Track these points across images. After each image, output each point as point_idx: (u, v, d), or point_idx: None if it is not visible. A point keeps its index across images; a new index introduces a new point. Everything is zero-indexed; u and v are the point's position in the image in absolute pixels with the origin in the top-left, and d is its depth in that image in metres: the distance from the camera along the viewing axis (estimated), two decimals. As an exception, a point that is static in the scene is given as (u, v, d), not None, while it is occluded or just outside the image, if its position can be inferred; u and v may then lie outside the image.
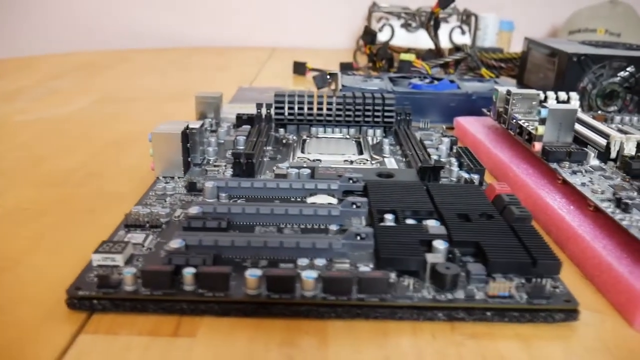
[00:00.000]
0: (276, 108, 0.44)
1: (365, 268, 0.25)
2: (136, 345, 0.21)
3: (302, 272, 0.24)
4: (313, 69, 0.70)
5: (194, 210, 0.29)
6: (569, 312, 0.24)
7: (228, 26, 1.04)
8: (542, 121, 0.35)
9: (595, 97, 0.50)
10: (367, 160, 0.38)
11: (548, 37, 0.66)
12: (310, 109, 0.44)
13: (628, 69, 0.49)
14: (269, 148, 0.41)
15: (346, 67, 0.71)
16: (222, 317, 0.23)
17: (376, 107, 0.44)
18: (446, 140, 0.42)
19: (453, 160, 0.38)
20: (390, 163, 0.38)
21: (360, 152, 0.40)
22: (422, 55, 0.71)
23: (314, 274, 0.23)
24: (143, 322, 0.23)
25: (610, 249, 0.26)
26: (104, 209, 0.32)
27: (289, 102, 0.44)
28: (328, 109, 0.44)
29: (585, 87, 0.50)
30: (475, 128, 0.45)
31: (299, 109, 0.44)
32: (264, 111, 0.45)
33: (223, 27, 1.04)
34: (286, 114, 0.44)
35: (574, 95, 0.44)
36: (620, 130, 0.40)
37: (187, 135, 0.36)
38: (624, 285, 0.24)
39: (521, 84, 0.60)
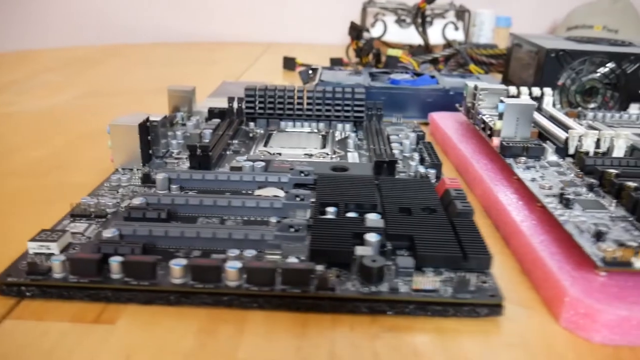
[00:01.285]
0: (246, 102, 0.44)
1: (294, 260, 0.25)
2: (55, 331, 0.22)
3: (226, 262, 0.24)
4: (302, 65, 0.70)
5: (137, 201, 0.29)
6: (493, 306, 0.23)
7: (224, 22, 1.05)
8: (500, 116, 0.35)
9: (574, 93, 0.49)
10: (328, 154, 0.38)
11: (545, 34, 0.65)
12: (280, 103, 0.44)
13: (608, 65, 0.48)
14: (235, 141, 0.41)
15: (336, 63, 0.71)
16: (146, 305, 0.23)
17: (346, 102, 0.44)
18: (412, 135, 0.41)
19: (415, 155, 0.38)
20: (353, 157, 0.38)
21: (323, 147, 0.40)
22: (412, 51, 0.71)
23: (237, 264, 0.24)
24: (68, 308, 0.23)
25: (546, 244, 0.26)
26: (59, 200, 0.33)
27: (259, 97, 0.44)
28: (298, 104, 0.44)
29: (564, 83, 0.49)
30: (446, 123, 0.45)
31: (269, 103, 0.44)
32: (235, 105, 0.45)
33: (219, 22, 1.05)
34: (256, 108, 0.44)
35: (548, 91, 0.44)
36: (591, 127, 0.40)
37: (147, 128, 0.36)
38: (552, 280, 0.24)
39: (506, 80, 0.60)
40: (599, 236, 0.24)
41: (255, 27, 1.04)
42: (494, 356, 0.21)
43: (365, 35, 0.80)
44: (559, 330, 0.23)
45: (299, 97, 0.44)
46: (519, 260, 0.28)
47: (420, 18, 0.65)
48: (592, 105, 0.49)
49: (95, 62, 0.79)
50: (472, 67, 0.65)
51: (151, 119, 0.37)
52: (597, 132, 0.33)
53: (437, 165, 0.35)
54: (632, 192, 0.27)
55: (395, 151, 0.38)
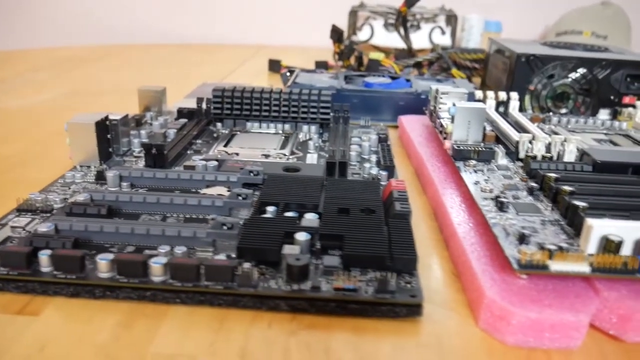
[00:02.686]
0: (214, 103, 0.45)
1: (222, 257, 0.25)
2: (-25, 321, 0.22)
3: (151, 258, 0.24)
4: (287, 67, 0.70)
5: (81, 197, 0.30)
6: (412, 307, 0.23)
7: (217, 24, 1.05)
8: (453, 119, 0.35)
9: (545, 98, 0.49)
10: (285, 155, 0.38)
11: (537, 39, 0.65)
12: (247, 104, 0.44)
13: (579, 70, 0.48)
14: (199, 141, 0.42)
15: (321, 66, 0.71)
16: (72, 298, 0.24)
17: (312, 104, 0.44)
18: (374, 137, 0.42)
19: (373, 157, 0.38)
20: (312, 158, 0.39)
21: (283, 148, 0.40)
22: (396, 54, 0.71)
23: (162, 260, 0.24)
24: (-4, 300, 0.24)
25: (475, 247, 0.26)
26: (12, 195, 0.33)
27: (227, 97, 0.45)
28: (265, 105, 0.44)
29: (535, 88, 0.49)
30: (412, 126, 0.45)
31: (236, 104, 0.45)
32: (204, 106, 0.46)
33: (212, 24, 1.05)
34: (223, 108, 0.45)
35: (514, 95, 0.44)
36: (553, 132, 0.40)
37: (106, 127, 0.37)
38: (475, 283, 0.24)
39: (484, 84, 0.60)
40: (522, 239, 0.24)
41: (247, 30, 1.05)
42: (405, 356, 0.21)
43: (354, 38, 0.80)
44: (476, 332, 0.23)
45: (265, 99, 0.44)
46: (454, 263, 0.28)
47: (401, 22, 0.65)
48: (563, 111, 0.49)
49: (85, 62, 0.80)
50: (454, 71, 0.65)
51: (111, 117, 0.37)
52: (546, 136, 0.33)
53: (390, 168, 0.35)
54: (566, 196, 0.27)
55: (353, 153, 0.38)
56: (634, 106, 0.45)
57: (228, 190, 0.31)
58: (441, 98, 0.40)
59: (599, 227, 0.23)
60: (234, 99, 0.45)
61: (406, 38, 0.67)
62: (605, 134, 0.41)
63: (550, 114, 0.45)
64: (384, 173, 0.35)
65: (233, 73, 0.74)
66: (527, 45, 0.53)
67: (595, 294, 0.23)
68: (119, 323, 0.23)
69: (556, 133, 0.38)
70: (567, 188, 0.27)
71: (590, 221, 0.23)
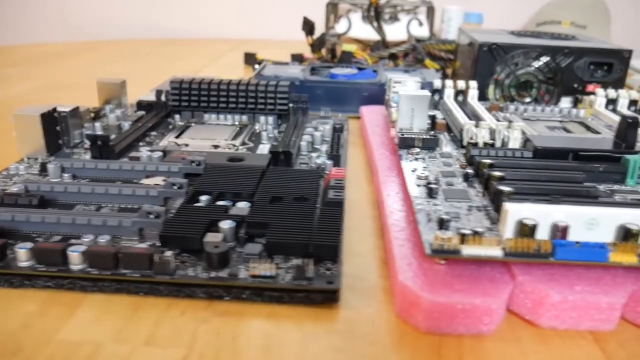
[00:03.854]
0: (172, 94, 0.45)
1: (144, 245, 0.25)
2: None
3: (70, 246, 0.24)
4: (262, 60, 0.70)
5: (15, 187, 0.30)
6: (329, 294, 0.23)
7: (198, 18, 1.05)
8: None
9: (509, 87, 0.48)
10: (235, 145, 0.38)
11: (518, 30, 0.64)
12: (204, 95, 0.44)
13: (542, 58, 0.48)
14: (154, 133, 0.41)
15: (296, 59, 0.71)
16: (-10, 287, 0.24)
17: (269, 95, 0.44)
18: (327, 127, 0.41)
19: (324, 147, 0.38)
20: (264, 149, 0.38)
21: (234, 138, 0.40)
22: (371, 46, 0.71)
23: (80, 248, 0.24)
24: None
25: (402, 234, 0.26)
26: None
27: (184, 89, 0.44)
28: (222, 96, 0.44)
29: (498, 77, 0.49)
30: (371, 116, 0.45)
31: (194, 95, 0.44)
32: (163, 98, 0.46)
33: (193, 19, 1.05)
34: (181, 100, 0.45)
35: (473, 84, 0.44)
36: (507, 120, 0.40)
37: (54, 119, 0.37)
38: (393, 269, 0.24)
39: (454, 74, 0.59)
40: (441, 224, 0.24)
41: (228, 24, 1.05)
42: (312, 342, 0.21)
43: (332, 31, 0.80)
44: (392, 318, 0.23)
45: (222, 90, 0.44)
46: (385, 250, 0.28)
47: (374, 13, 0.65)
48: (527, 100, 0.49)
49: (62, 57, 0.80)
50: (427, 62, 0.65)
51: (60, 109, 0.37)
52: (489, 123, 0.33)
53: (336, 157, 0.35)
54: (495, 181, 0.27)
55: (304, 143, 0.38)
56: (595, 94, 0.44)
57: (164, 180, 0.31)
58: (394, 87, 0.40)
59: (514, 212, 0.22)
60: (191, 91, 0.44)
61: (379, 30, 0.67)
62: (560, 121, 0.40)
63: (509, 102, 0.44)
64: (329, 162, 0.35)
65: (208, 67, 0.74)
66: (491, 35, 0.52)
67: (511, 278, 0.23)
68: (31, 312, 0.23)
69: (510, 121, 0.38)
70: (496, 174, 0.27)
71: (506, 205, 0.23)
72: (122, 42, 0.95)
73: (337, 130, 0.42)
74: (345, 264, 0.27)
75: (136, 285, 0.24)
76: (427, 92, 0.34)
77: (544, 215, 0.22)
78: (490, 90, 0.49)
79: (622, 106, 0.43)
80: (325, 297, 0.23)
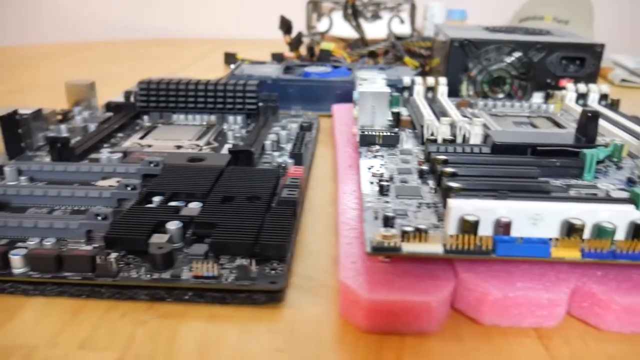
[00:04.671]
0: (140, 95, 0.44)
1: (88, 247, 0.25)
2: None
3: (11, 250, 0.24)
4: (242, 60, 0.70)
5: (-34, 191, 0.29)
6: (272, 294, 0.23)
7: (184, 19, 1.05)
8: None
9: (481, 83, 0.48)
10: (199, 145, 0.38)
11: (502, 26, 0.63)
12: (173, 96, 0.44)
13: (514, 54, 0.47)
14: (120, 134, 0.41)
15: (277, 58, 0.70)
16: None
17: (237, 95, 0.44)
18: (294, 126, 0.41)
19: (289, 146, 0.38)
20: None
21: (199, 138, 0.39)
22: (351, 44, 0.70)
23: (21, 251, 0.24)
24: None
25: (351, 232, 0.26)
26: None
27: (152, 90, 0.44)
28: (190, 96, 0.44)
29: (470, 74, 0.48)
30: (340, 114, 0.45)
31: (162, 96, 0.44)
32: (132, 99, 0.46)
33: (180, 19, 1.05)
34: (149, 101, 0.44)
35: (442, 80, 0.43)
36: (474, 115, 0.39)
37: (15, 122, 0.37)
38: (339, 268, 0.23)
39: (431, 71, 0.59)
40: (386, 222, 0.24)
41: (214, 25, 1.05)
42: (250, 342, 0.21)
43: (314, 30, 0.80)
44: (336, 318, 0.22)
45: (190, 90, 0.44)
46: (337, 249, 0.27)
47: (351, 11, 0.65)
48: (501, 95, 0.49)
49: (42, 59, 0.79)
50: (406, 59, 0.64)
51: (21, 112, 0.37)
52: (449, 119, 0.33)
53: (297, 155, 0.35)
54: (446, 177, 0.26)
55: (268, 142, 0.38)
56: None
57: (117, 182, 0.31)
58: (360, 85, 0.39)
59: (457, 208, 0.22)
60: (159, 91, 0.44)
61: (358, 28, 0.66)
62: (528, 117, 0.40)
63: (480, 99, 0.44)
64: (290, 161, 0.34)
65: (188, 67, 0.74)
66: (464, 31, 0.52)
67: (454, 276, 0.22)
68: (-32, 316, 0.22)
69: (472, 117, 0.38)
70: (448, 170, 0.27)
71: (450, 202, 0.22)
72: (104, 44, 0.94)
73: (305, 129, 0.42)
74: (297, 263, 0.26)
75: (78, 288, 0.23)
76: (387, 89, 0.34)
77: (487, 211, 0.22)
78: (464, 86, 0.49)
79: (593, 101, 0.43)
80: (269, 297, 0.23)
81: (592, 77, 0.47)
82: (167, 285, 0.23)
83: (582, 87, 0.43)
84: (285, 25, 0.61)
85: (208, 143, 0.39)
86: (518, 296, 0.21)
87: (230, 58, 0.73)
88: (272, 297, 0.23)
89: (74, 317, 0.22)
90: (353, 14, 0.65)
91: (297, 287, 0.25)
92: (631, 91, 0.64)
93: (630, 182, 0.29)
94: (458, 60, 0.48)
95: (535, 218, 0.22)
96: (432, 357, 0.20)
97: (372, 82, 0.39)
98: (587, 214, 0.22)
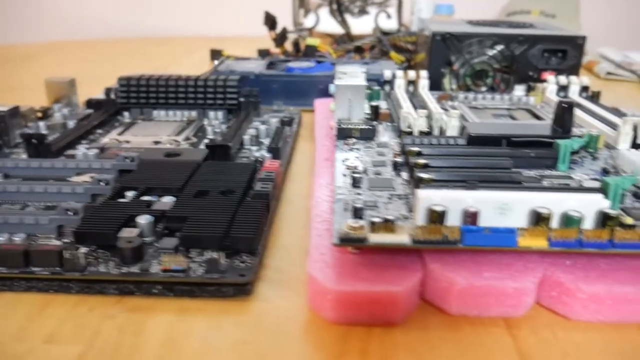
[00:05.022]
0: (120, 92, 0.44)
1: (58, 242, 0.25)
2: None
3: (-22, 245, 0.24)
4: (227, 56, 0.70)
5: (-62, 187, 0.29)
6: (241, 286, 0.23)
7: (173, 16, 1.05)
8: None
9: (464, 76, 0.48)
10: (177, 141, 0.38)
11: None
12: (153, 92, 0.44)
13: (497, 47, 0.47)
14: (99, 131, 0.41)
15: (263, 54, 0.70)
16: None
17: (218, 90, 0.44)
18: (274, 121, 0.41)
19: (268, 140, 0.38)
20: (208, 144, 0.38)
21: (178, 134, 0.39)
22: (336, 40, 0.70)
23: (-11, 247, 0.23)
24: None
25: (322, 225, 0.26)
26: None
27: (132, 86, 0.44)
28: (171, 92, 0.44)
29: (452, 67, 0.48)
30: (322, 109, 0.45)
31: (143, 92, 0.44)
32: (113, 95, 0.45)
33: (169, 17, 1.05)
34: (129, 97, 0.44)
35: (423, 74, 0.43)
36: (454, 108, 0.39)
37: (-9, 118, 0.36)
38: (308, 262, 0.23)
39: (416, 65, 0.59)
40: (355, 213, 0.23)
41: (202, 22, 1.04)
42: (217, 334, 0.21)
43: (302, 26, 0.80)
44: (303, 310, 0.22)
45: (170, 86, 0.44)
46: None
47: (336, 7, 0.65)
48: (483, 89, 0.49)
49: (29, 58, 0.79)
50: (392, 54, 0.64)
51: (-3, 109, 0.37)
52: (425, 111, 0.33)
53: (275, 149, 0.35)
54: (418, 169, 0.26)
55: (247, 137, 0.38)
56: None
57: (91, 177, 0.31)
58: (339, 78, 0.39)
59: (425, 198, 0.22)
60: (139, 87, 0.44)
61: (343, 23, 0.66)
62: (508, 109, 0.40)
63: (462, 92, 0.44)
64: (267, 155, 0.34)
65: (175, 64, 0.74)
66: (447, 25, 0.52)
67: (422, 267, 0.22)
68: None
69: (450, 109, 0.38)
70: (420, 161, 0.27)
71: (417, 192, 0.22)
72: (91, 42, 0.94)
73: (285, 124, 0.41)
74: (269, 256, 0.26)
75: (46, 283, 0.23)
76: (363, 82, 0.34)
77: (455, 202, 0.22)
78: (447, 80, 0.49)
79: (574, 93, 0.43)
80: (238, 290, 0.23)
81: (574, 69, 0.47)
82: (135, 279, 0.23)
83: (563, 79, 0.43)
84: (270, 21, 0.61)
85: (187, 138, 0.38)
86: (484, 286, 0.21)
87: (216, 55, 0.72)
88: (241, 289, 0.23)
89: (41, 312, 0.22)
90: (338, 10, 0.65)
91: (268, 280, 0.24)
92: (616, 84, 0.65)
93: (605, 172, 0.29)
94: (440, 54, 0.48)
95: (503, 208, 0.22)
96: (397, 347, 0.20)
97: (351, 75, 0.39)
98: (555, 204, 0.22)
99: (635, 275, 0.22)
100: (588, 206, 0.22)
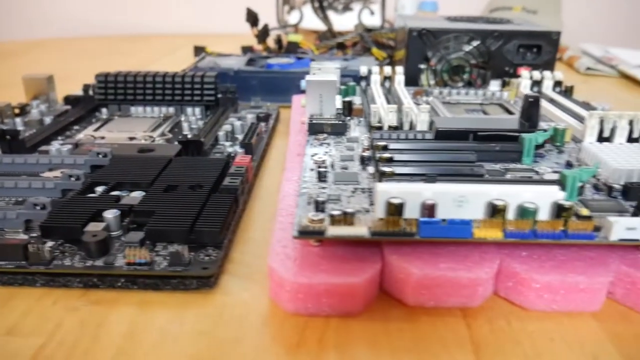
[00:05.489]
0: (98, 88, 0.44)
1: (24, 236, 0.25)
2: None
3: (-56, 239, 0.24)
4: (210, 52, 0.70)
5: None
6: (203, 279, 0.23)
7: (158, 14, 1.05)
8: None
9: (441, 72, 0.48)
10: (152, 137, 0.38)
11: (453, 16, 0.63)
12: (130, 88, 0.44)
13: (473, 42, 0.48)
14: (76, 127, 0.41)
15: (246, 50, 0.70)
16: None
17: (195, 86, 0.44)
18: (250, 117, 0.41)
19: (242, 136, 0.38)
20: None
21: (154, 130, 0.39)
22: (319, 36, 0.71)
23: (-46, 241, 0.24)
24: None
25: (287, 220, 0.26)
26: None
27: (110, 82, 0.44)
28: (149, 88, 0.44)
29: (429, 63, 0.49)
30: (298, 105, 0.45)
31: (120, 88, 0.44)
32: (91, 92, 0.45)
33: (154, 14, 1.05)
34: (107, 93, 0.44)
35: (399, 70, 0.44)
36: (428, 104, 0.40)
37: (-35, 114, 0.36)
38: (269, 255, 0.24)
39: (395, 61, 0.59)
40: (317, 207, 0.24)
41: (187, 19, 1.04)
42: (177, 326, 0.21)
43: (288, 22, 0.80)
44: (266, 302, 0.23)
45: (148, 82, 0.44)
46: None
47: (318, 3, 0.65)
48: (460, 84, 0.49)
49: (11, 56, 0.79)
50: (374, 50, 0.65)
51: (-28, 105, 0.37)
52: (394, 106, 0.33)
53: (247, 145, 0.35)
54: (382, 163, 0.27)
55: (222, 133, 0.38)
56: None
57: (61, 172, 0.31)
58: (313, 74, 0.39)
59: (384, 192, 0.22)
60: (117, 84, 0.44)
61: (325, 19, 0.67)
62: (481, 104, 0.40)
63: (439, 88, 0.44)
64: (240, 150, 0.35)
65: (158, 61, 0.74)
66: (424, 21, 0.52)
67: (381, 259, 0.23)
68: None
69: (422, 104, 0.38)
70: (385, 155, 0.27)
71: (377, 185, 0.23)
72: (74, 40, 0.94)
73: (261, 120, 0.42)
74: (236, 250, 0.27)
75: (11, 277, 0.23)
76: (334, 77, 0.34)
77: (413, 195, 0.22)
78: (425, 76, 0.49)
79: (547, 88, 0.43)
80: (201, 283, 0.23)
81: (549, 64, 0.48)
82: (99, 272, 0.23)
83: (536, 74, 0.43)
84: (252, 18, 0.61)
85: (162, 134, 0.39)
86: (439, 276, 0.21)
87: (199, 51, 0.72)
88: (204, 282, 0.23)
89: (5, 305, 0.22)
90: (320, 6, 0.65)
91: (233, 273, 0.25)
92: (595, 79, 0.65)
93: (569, 165, 0.30)
94: (417, 50, 0.48)
95: (460, 200, 0.22)
96: (354, 337, 0.21)
97: (325, 71, 0.39)
98: (511, 196, 0.22)
99: (589, 265, 0.22)
100: (544, 198, 0.22)
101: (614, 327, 0.22)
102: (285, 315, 0.22)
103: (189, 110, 0.44)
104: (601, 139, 0.32)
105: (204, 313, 0.22)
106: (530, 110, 0.32)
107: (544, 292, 0.22)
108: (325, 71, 0.39)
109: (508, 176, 0.28)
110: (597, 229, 0.23)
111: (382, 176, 0.25)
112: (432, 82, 0.49)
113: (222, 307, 0.22)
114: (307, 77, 0.34)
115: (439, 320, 0.22)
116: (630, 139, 0.32)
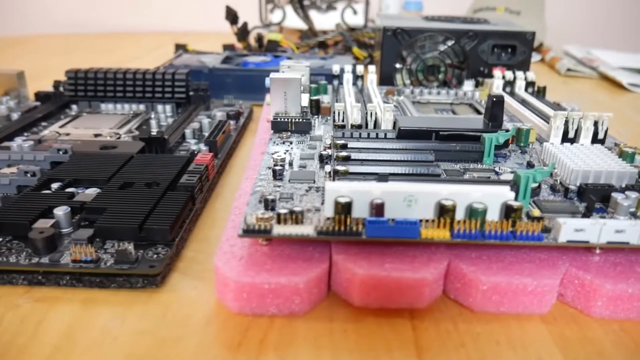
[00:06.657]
0: (68, 84, 0.44)
1: (-29, 233, 0.25)
2: None
3: None
4: (188, 50, 0.69)
5: None
6: (150, 277, 0.23)
7: (142, 11, 1.04)
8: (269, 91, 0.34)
9: (416, 71, 0.48)
10: (118, 134, 0.38)
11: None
12: (101, 85, 0.44)
13: (448, 42, 0.48)
14: (44, 123, 0.41)
15: (227, 48, 0.70)
16: None
17: (166, 84, 0.43)
18: (219, 114, 0.41)
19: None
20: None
21: (121, 127, 0.39)
22: (300, 35, 0.70)
23: None
24: None
25: (240, 218, 0.25)
26: None
27: (79, 79, 0.44)
28: (119, 85, 0.44)
29: (404, 63, 0.48)
30: (270, 103, 0.44)
31: (90, 85, 0.44)
32: (61, 88, 0.45)
33: (137, 12, 1.04)
34: (77, 90, 0.44)
35: (371, 69, 0.43)
36: (399, 103, 0.39)
37: None
38: (216, 253, 0.23)
39: (373, 61, 0.59)
40: (266, 205, 0.24)
41: (171, 17, 1.04)
42: (117, 325, 0.21)
43: (271, 21, 0.79)
44: (213, 301, 0.22)
45: (119, 79, 0.43)
46: (233, 234, 0.27)
47: (298, 2, 0.65)
48: (435, 84, 0.49)
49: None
50: (354, 49, 0.64)
51: None
52: (359, 105, 0.33)
53: (211, 142, 0.35)
54: (337, 161, 0.26)
55: (188, 130, 0.38)
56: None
57: (17, 169, 0.30)
58: (282, 72, 0.39)
59: (332, 190, 0.22)
60: (87, 80, 0.44)
61: (306, 18, 0.66)
62: (451, 103, 0.40)
63: (413, 87, 0.44)
64: (204, 148, 0.34)
65: (137, 59, 0.73)
66: (399, 20, 0.52)
67: (329, 258, 0.22)
68: None
69: (400, 104, 0.38)
70: (342, 154, 0.27)
71: (326, 184, 0.22)
72: (56, 37, 0.93)
73: (231, 117, 0.41)
74: (189, 248, 0.26)
75: (-47, 274, 0.23)
76: (297, 75, 0.34)
77: (362, 194, 0.22)
78: (400, 75, 0.49)
79: (520, 88, 0.43)
80: (147, 281, 0.23)
81: (524, 64, 0.48)
82: (44, 269, 0.23)
83: (509, 74, 0.43)
84: (232, 16, 0.61)
85: (129, 131, 0.38)
86: (384, 277, 0.21)
87: (180, 49, 0.72)
88: (151, 280, 0.23)
89: (-59, 303, 0.22)
90: (300, 5, 0.65)
91: (183, 271, 0.25)
92: (576, 80, 0.65)
93: (529, 165, 0.30)
94: (392, 49, 0.48)
95: (409, 200, 0.22)
96: (296, 337, 0.20)
97: (294, 69, 0.39)
98: (461, 196, 0.22)
99: (538, 266, 0.22)
100: (494, 198, 0.22)
101: (561, 330, 0.21)
102: (230, 314, 0.22)
103: (160, 107, 0.44)
104: (566, 139, 0.32)
105: (148, 312, 0.22)
106: (495, 110, 0.32)
107: (491, 294, 0.22)
108: (295, 69, 0.39)
109: (466, 176, 0.28)
110: (547, 230, 0.22)
111: (335, 175, 0.25)
112: (407, 81, 0.49)
113: (168, 306, 0.22)
114: (271, 75, 0.33)
115: (385, 321, 0.22)
116: (596, 140, 0.32)
